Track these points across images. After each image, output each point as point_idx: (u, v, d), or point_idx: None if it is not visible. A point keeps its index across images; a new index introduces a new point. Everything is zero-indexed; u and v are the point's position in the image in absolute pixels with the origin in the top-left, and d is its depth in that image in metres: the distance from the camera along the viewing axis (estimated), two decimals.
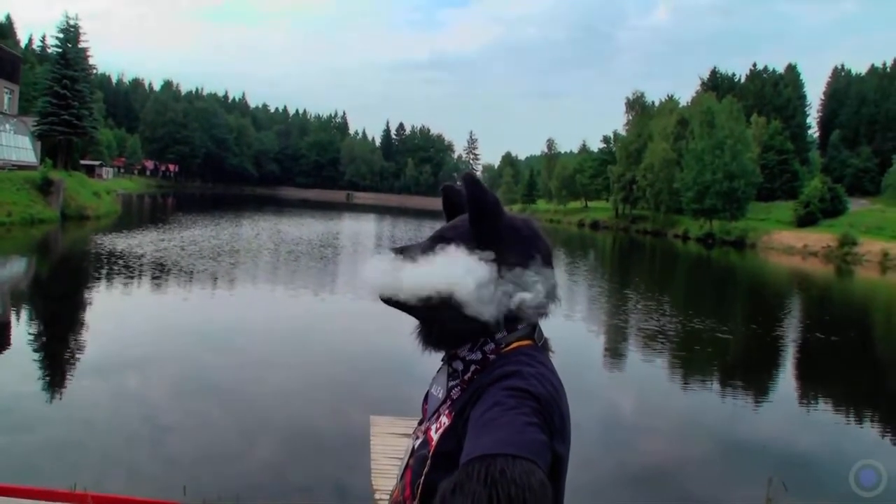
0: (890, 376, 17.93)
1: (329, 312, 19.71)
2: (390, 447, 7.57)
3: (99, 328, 15.69)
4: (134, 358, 13.05)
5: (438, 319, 1.51)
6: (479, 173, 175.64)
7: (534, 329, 1.54)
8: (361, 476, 7.42)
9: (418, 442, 1.53)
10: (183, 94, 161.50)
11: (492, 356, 1.48)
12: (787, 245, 58.99)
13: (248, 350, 14.53)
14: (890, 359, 20.24)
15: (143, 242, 30.96)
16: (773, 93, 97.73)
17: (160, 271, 23.47)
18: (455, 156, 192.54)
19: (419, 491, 1.42)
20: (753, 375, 16.13)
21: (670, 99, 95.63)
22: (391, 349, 14.50)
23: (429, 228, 55.86)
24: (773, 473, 6.81)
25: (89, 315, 17.48)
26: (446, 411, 1.48)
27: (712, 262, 52.05)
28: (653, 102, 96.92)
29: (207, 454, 8.59)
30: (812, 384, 16.01)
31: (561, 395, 1.42)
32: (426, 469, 1.42)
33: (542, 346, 1.54)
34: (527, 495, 1.17)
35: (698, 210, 69.47)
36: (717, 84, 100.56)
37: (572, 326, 18.83)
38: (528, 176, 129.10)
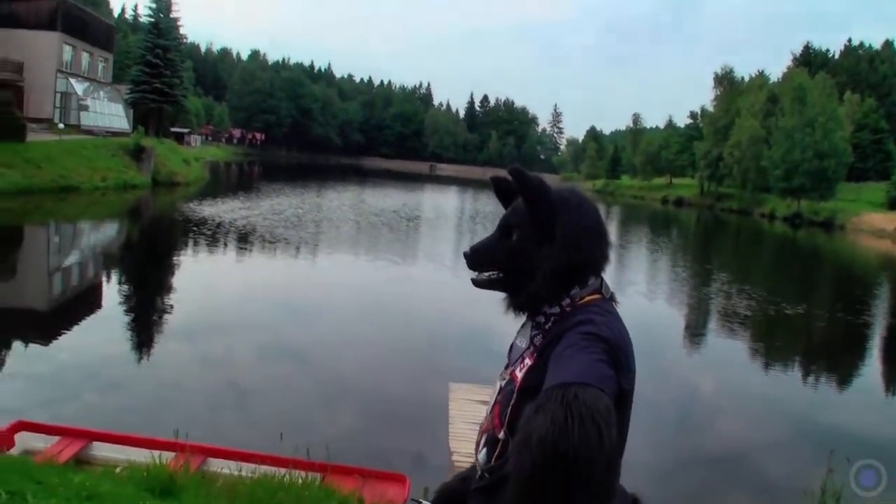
0: None
1: (409, 284, 19.95)
2: (467, 412, 7.76)
3: (185, 293, 16.30)
4: (218, 323, 13.53)
5: (524, 291, 1.87)
6: (562, 147, 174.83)
7: (601, 284, 1.87)
8: (440, 439, 7.65)
9: (504, 381, 1.91)
10: (270, 63, 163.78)
11: (568, 309, 1.82)
12: (878, 227, 56.86)
13: (329, 318, 14.93)
14: None
15: (229, 209, 31.86)
16: (868, 69, 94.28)
17: (245, 238, 24.13)
18: (539, 129, 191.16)
19: (507, 419, 1.79)
20: (837, 361, 15.83)
21: (760, 74, 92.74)
22: (469, 320, 14.65)
23: None
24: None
25: (176, 279, 18.11)
26: (529, 355, 1.85)
27: (799, 243, 50.70)
28: (742, 77, 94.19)
29: (288, 419, 8.76)
30: None
31: (626, 339, 1.76)
32: (513, 401, 1.79)
33: (609, 299, 1.88)
34: (595, 415, 1.43)
35: (786, 189, 67.51)
36: (809, 60, 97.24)
37: (653, 306, 18.71)
38: (612, 151, 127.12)
